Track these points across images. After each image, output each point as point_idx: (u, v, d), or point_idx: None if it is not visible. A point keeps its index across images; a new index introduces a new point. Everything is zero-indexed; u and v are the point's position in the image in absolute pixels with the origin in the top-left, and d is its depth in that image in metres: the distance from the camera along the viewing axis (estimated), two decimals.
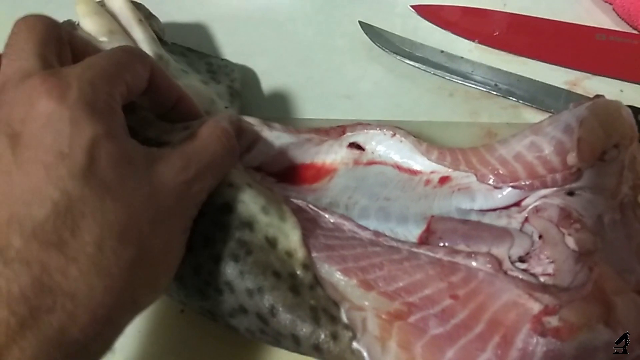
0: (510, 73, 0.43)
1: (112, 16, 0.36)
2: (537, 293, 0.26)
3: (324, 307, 0.26)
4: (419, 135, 0.35)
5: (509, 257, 0.29)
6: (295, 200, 0.31)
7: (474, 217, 0.32)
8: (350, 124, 0.35)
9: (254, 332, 0.28)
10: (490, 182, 0.31)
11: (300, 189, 0.34)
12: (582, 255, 0.28)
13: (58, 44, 0.24)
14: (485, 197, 0.32)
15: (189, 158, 0.25)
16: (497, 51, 0.45)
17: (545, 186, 0.30)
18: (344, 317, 0.26)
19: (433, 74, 0.43)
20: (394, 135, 0.34)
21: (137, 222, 0.21)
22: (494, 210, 0.32)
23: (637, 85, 0.43)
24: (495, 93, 0.42)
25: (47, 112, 0.21)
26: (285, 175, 0.35)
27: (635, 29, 0.47)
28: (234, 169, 0.29)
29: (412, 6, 0.49)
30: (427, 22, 0.48)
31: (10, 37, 0.24)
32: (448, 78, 0.43)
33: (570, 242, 0.28)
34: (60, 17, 0.27)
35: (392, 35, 0.45)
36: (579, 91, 0.42)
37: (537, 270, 0.28)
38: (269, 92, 0.43)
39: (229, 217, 0.27)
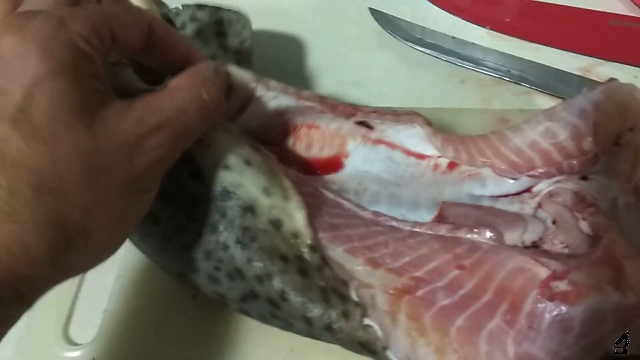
0: (523, 59, 0.42)
1: None
2: (543, 259, 0.25)
3: (333, 287, 0.26)
4: (430, 122, 0.34)
5: (522, 243, 0.29)
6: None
7: (485, 203, 0.31)
8: (364, 109, 0.33)
9: (266, 317, 0.28)
10: (507, 174, 0.31)
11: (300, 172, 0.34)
12: (596, 240, 0.27)
13: None
14: (497, 183, 0.31)
15: (149, 109, 0.22)
16: (509, 37, 0.45)
17: (561, 173, 0.30)
18: (354, 295, 0.26)
19: (444, 60, 0.43)
20: (410, 124, 0.33)
21: (62, 173, 0.20)
22: (506, 196, 0.31)
23: None
24: (507, 79, 0.41)
25: (4, 46, 0.20)
26: (291, 158, 0.34)
27: None
28: (230, 144, 0.27)
29: None
30: (437, 9, 0.47)
31: None
32: (460, 65, 0.42)
33: (584, 226, 0.28)
34: None
35: (403, 21, 0.45)
36: (592, 77, 0.41)
37: None
38: (279, 79, 0.42)
39: (230, 204, 0.26)
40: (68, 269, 0.21)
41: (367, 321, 0.25)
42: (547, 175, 0.30)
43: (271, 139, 0.33)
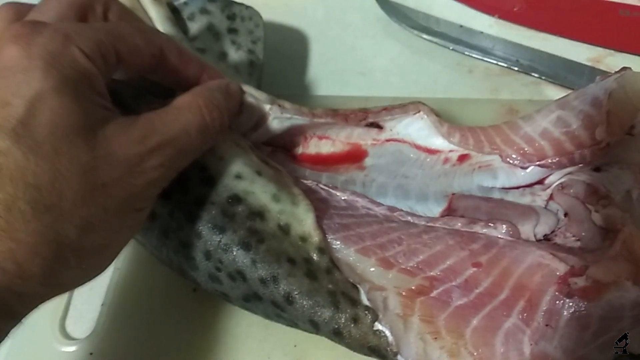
0: (532, 49, 0.41)
1: None
2: (561, 253, 0.25)
3: (342, 291, 0.25)
4: (437, 112, 0.33)
5: (534, 235, 0.28)
6: (305, 182, 0.31)
7: (496, 195, 0.31)
8: (374, 110, 0.33)
9: (270, 316, 0.27)
10: (517, 162, 0.30)
11: (313, 167, 0.33)
12: (609, 232, 0.27)
13: (84, 8, 0.24)
14: (507, 174, 0.31)
15: (152, 128, 0.22)
16: (517, 26, 0.44)
17: (573, 163, 0.29)
18: (364, 299, 0.25)
19: (452, 49, 0.42)
20: (417, 112, 0.33)
21: (60, 189, 0.19)
22: (517, 188, 0.31)
23: None
24: (516, 69, 0.41)
25: (8, 57, 0.20)
26: (298, 154, 0.34)
27: None
28: (242, 156, 0.27)
29: None
30: None
31: None
32: (467, 54, 0.41)
33: (597, 218, 0.28)
34: None
35: (409, 9, 0.44)
36: (602, 68, 0.40)
37: None
38: (283, 70, 0.42)
39: (238, 208, 0.26)
40: (58, 286, 0.22)
41: (378, 326, 0.25)
42: (559, 166, 0.29)
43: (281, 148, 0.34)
